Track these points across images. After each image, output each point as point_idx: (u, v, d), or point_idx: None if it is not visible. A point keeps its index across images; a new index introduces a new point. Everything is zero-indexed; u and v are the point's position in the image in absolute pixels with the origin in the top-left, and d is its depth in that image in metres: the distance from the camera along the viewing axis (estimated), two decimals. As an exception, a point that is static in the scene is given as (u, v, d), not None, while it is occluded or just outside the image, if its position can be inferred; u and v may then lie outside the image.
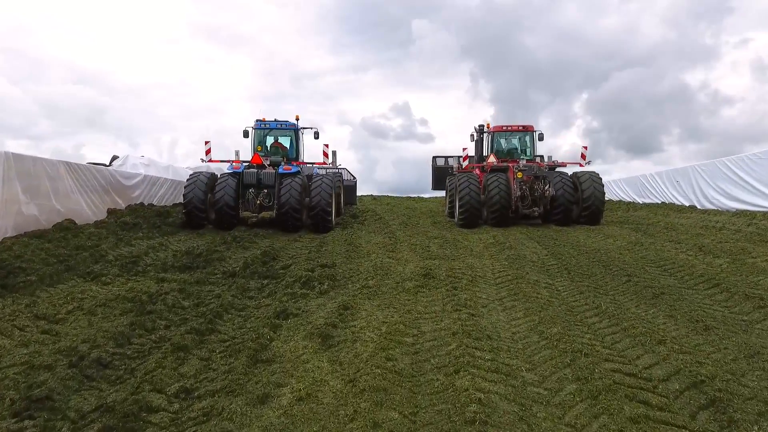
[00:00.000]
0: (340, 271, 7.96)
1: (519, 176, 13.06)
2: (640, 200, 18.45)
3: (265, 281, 7.52)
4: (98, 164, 13.22)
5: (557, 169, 14.04)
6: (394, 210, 18.49)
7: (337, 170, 17.66)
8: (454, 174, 16.18)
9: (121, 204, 12.86)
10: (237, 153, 15.26)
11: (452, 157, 19.17)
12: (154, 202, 14.36)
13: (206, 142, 14.05)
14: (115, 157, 14.61)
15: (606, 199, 14.09)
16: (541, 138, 14.93)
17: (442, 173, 18.85)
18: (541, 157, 14.87)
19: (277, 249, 9.82)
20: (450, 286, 6.80)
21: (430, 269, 7.70)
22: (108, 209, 12.18)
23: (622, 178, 19.22)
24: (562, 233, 11.89)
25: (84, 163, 12.75)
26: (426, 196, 22.95)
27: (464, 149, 15.24)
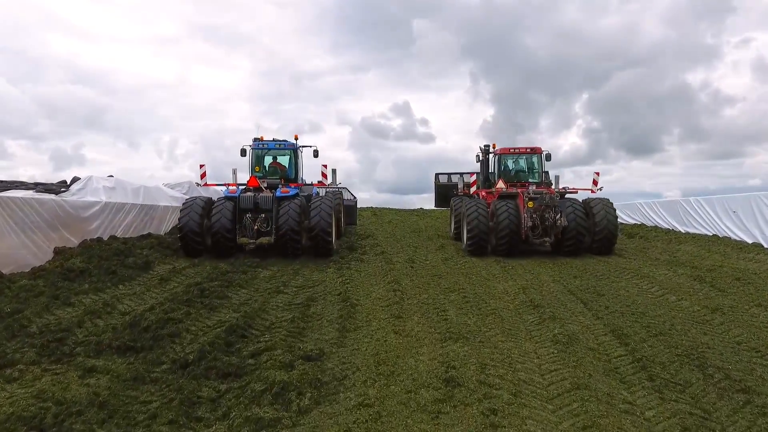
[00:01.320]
0: (329, 366, 5.79)
1: (530, 206, 12.38)
2: (680, 228, 15.78)
3: (225, 384, 5.37)
4: (50, 190, 11.11)
5: (566, 192, 13.38)
6: (397, 234, 16.50)
7: (337, 189, 16.65)
8: (459, 195, 16.22)
9: (74, 241, 10.71)
10: (234, 172, 15.04)
11: (455, 174, 19.32)
12: (118, 234, 12.18)
13: (201, 166, 14.02)
14: (75, 179, 12.46)
15: (638, 224, 12.49)
16: (548, 158, 14.46)
17: (444, 190, 18.88)
18: (547, 173, 14.62)
19: (252, 314, 7.63)
20: (485, 407, 4.68)
21: (453, 365, 5.56)
22: (55, 249, 10.06)
23: (659, 201, 16.40)
24: (603, 280, 9.84)
25: (31, 190, 10.72)
26: (428, 207, 21.25)
27: (472, 174, 14.88)
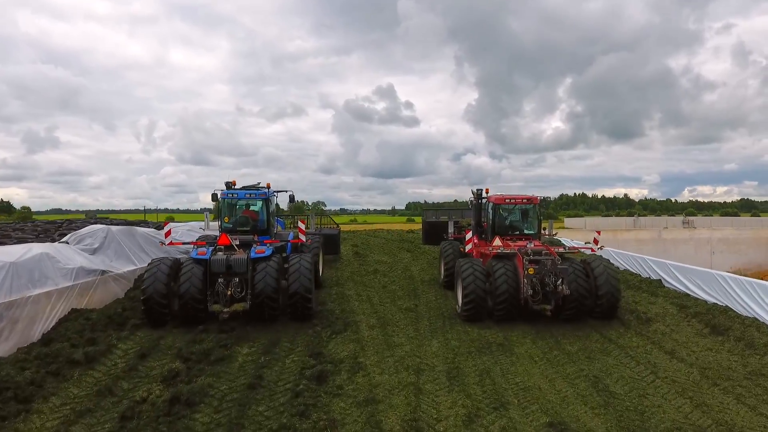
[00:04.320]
0: None
1: (531, 272, 11.72)
2: (704, 296, 13.04)
3: None
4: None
5: (566, 253, 12.85)
6: (387, 289, 15.24)
7: (316, 234, 16.65)
8: (449, 240, 16.12)
9: None
10: (206, 216, 15.05)
11: (443, 209, 20.37)
12: None
13: (165, 223, 14.63)
14: None
15: (655, 279, 13.58)
16: (544, 205, 14.25)
17: (433, 228, 19.05)
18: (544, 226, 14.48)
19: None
20: None
21: None
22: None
23: (689, 268, 13.96)
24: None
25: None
26: (417, 226, 20.50)
27: (467, 231, 14.59)
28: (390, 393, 8.27)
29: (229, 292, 11.24)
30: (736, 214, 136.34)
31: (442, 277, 15.66)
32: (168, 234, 13.51)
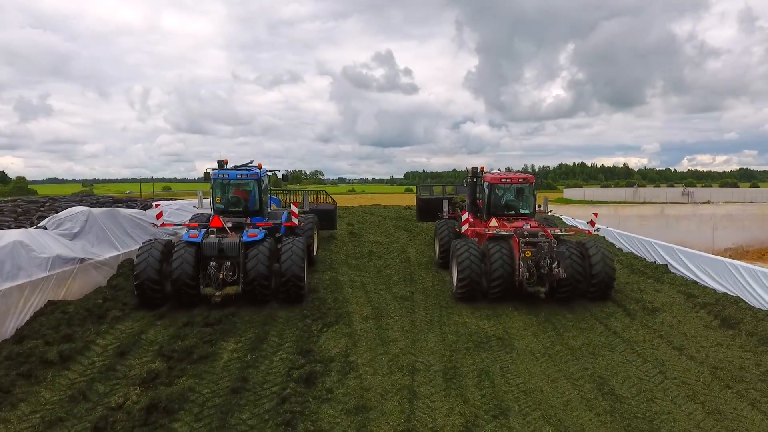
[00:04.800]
0: None
1: (527, 255, 11.64)
2: (714, 285, 12.38)
3: None
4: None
5: (562, 235, 12.73)
6: (382, 273, 14.66)
7: (310, 214, 16.44)
8: (444, 219, 16.07)
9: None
10: (199, 195, 15.04)
11: (437, 186, 19.96)
12: None
13: (156, 205, 13.89)
14: None
15: (661, 264, 13.36)
16: (538, 183, 14.18)
17: (426, 205, 18.93)
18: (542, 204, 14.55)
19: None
20: None
21: None
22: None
23: (697, 254, 13.23)
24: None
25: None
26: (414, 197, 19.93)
27: (462, 212, 14.26)
28: (383, 398, 7.76)
29: (221, 276, 11.17)
30: (735, 185, 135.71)
31: (437, 256, 15.68)
32: (160, 215, 13.44)
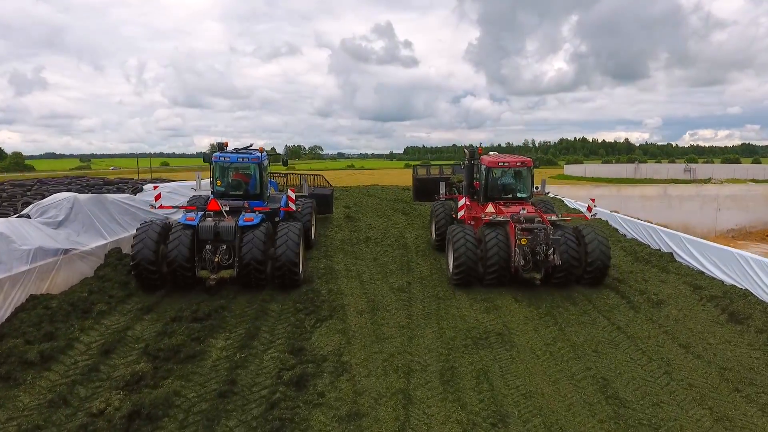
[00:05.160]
0: None
1: (523, 243, 11.61)
2: (721, 276, 11.98)
3: None
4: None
5: (558, 221, 12.62)
6: (379, 261, 14.25)
7: (308, 199, 16.32)
8: (440, 200, 16.07)
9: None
10: (198, 176, 15.37)
11: (434, 165, 19.99)
12: None
13: (155, 187, 13.91)
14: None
15: (666, 252, 13.44)
16: (536, 165, 14.09)
17: (423, 185, 18.98)
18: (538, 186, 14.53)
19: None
20: None
21: None
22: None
23: (704, 243, 12.78)
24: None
25: None
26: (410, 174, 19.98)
27: (459, 197, 14.29)
28: (376, 403, 7.43)
29: (216, 259, 11.15)
30: (737, 161, 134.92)
31: (433, 239, 15.75)
32: (158, 197, 13.51)
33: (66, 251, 11.35)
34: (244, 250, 11.27)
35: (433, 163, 20.67)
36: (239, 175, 13.51)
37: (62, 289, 10.97)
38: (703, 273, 12.48)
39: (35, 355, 8.25)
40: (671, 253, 13.90)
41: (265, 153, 13.92)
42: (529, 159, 13.69)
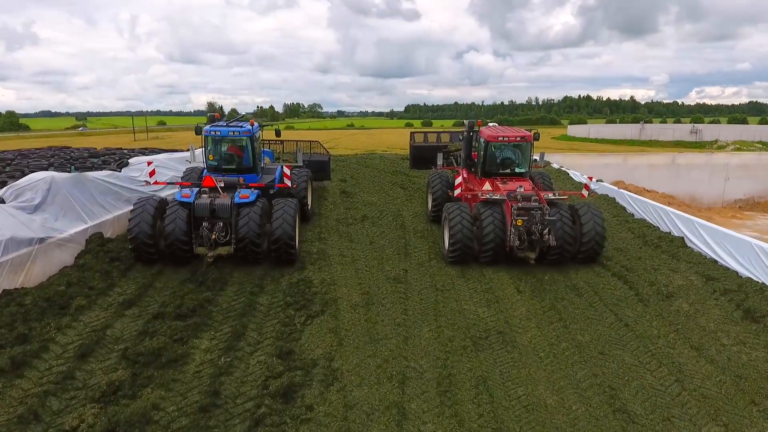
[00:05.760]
0: None
1: (519, 224, 11.60)
2: (735, 266, 11.36)
3: None
4: None
5: (555, 199, 12.40)
6: (375, 245, 13.61)
7: (304, 169, 16.15)
8: (438, 171, 15.92)
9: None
10: (191, 148, 15.39)
11: (431, 132, 19.71)
12: None
13: (149, 163, 13.50)
14: None
15: (677, 236, 13.34)
16: (536, 138, 13.59)
17: (420, 153, 18.86)
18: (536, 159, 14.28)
19: None
20: None
21: None
22: None
23: (719, 230, 12.14)
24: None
25: None
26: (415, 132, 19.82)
27: (456, 176, 13.76)
28: (368, 418, 6.95)
29: (213, 236, 11.25)
30: (744, 120, 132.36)
31: (429, 210, 15.80)
32: (152, 173, 13.38)
33: (42, 240, 10.70)
34: (240, 227, 11.37)
35: (431, 130, 19.86)
36: (232, 149, 13.34)
37: (39, 281, 10.40)
38: (716, 262, 11.85)
39: (6, 361, 7.72)
40: (682, 238, 13.23)
41: (257, 125, 13.60)
42: (529, 133, 13.31)
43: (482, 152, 13.50)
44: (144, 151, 22.94)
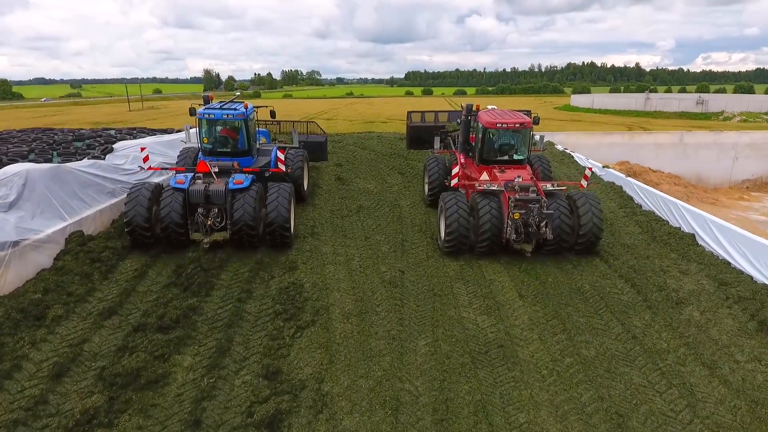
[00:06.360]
0: None
1: (516, 217, 11.42)
2: (749, 270, 10.74)
3: None
4: None
5: (553, 189, 12.13)
6: (371, 241, 13.00)
7: (299, 150, 16.13)
8: (434, 155, 15.68)
9: None
10: (186, 129, 15.81)
11: (428, 112, 19.32)
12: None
13: (142, 149, 13.41)
14: None
15: (687, 232, 12.91)
16: (536, 122, 13.65)
17: (417, 133, 18.68)
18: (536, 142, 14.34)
19: None
20: None
21: None
22: None
23: (733, 230, 11.42)
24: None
25: None
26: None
27: (453, 167, 13.15)
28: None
29: (208, 222, 11.40)
30: (750, 89, 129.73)
31: (425, 194, 15.65)
32: (146, 159, 13.15)
33: (16, 243, 10.08)
34: (235, 213, 11.44)
35: (428, 110, 19.63)
36: (226, 131, 13.25)
37: (14, 288, 9.84)
38: (729, 264, 11.26)
39: (-26, 385, 7.25)
40: (693, 235, 12.61)
41: (251, 107, 13.62)
42: (528, 119, 12.84)
43: (480, 138, 13.14)
44: (132, 132, 22.10)
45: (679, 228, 13.24)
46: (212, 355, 8.31)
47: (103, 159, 14.91)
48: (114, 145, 16.46)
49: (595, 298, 10.32)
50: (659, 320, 9.52)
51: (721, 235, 11.52)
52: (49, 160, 15.69)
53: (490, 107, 15.02)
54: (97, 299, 9.90)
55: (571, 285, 10.85)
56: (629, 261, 11.83)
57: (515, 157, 13.18)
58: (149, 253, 11.72)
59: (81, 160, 14.80)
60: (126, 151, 16.14)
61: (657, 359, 8.40)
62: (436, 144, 15.84)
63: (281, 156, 13.17)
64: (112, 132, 21.80)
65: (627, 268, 11.43)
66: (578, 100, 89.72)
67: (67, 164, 13.23)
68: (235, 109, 12.81)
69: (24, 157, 15.83)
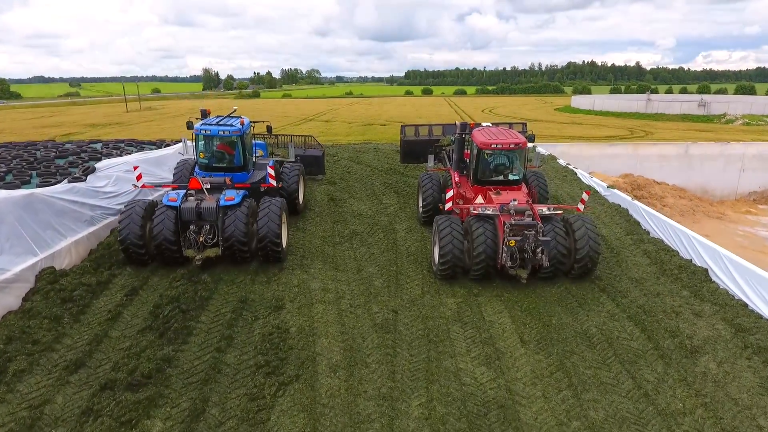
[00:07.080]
0: None
1: (511, 244, 11.10)
2: None
3: None
4: None
5: (550, 213, 11.91)
6: (363, 273, 12.25)
7: (296, 162, 16.26)
8: (428, 173, 15.49)
9: None
10: (183, 141, 16.35)
11: (422, 126, 19.29)
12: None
13: (135, 167, 13.40)
14: None
15: (700, 267, 12.24)
16: (531, 140, 13.69)
17: (410, 147, 18.74)
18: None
19: None
20: None
21: None
22: None
23: (750, 270, 10.67)
24: None
25: None
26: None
27: (447, 191, 12.73)
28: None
29: (200, 239, 11.52)
30: (752, 89, 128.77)
31: (419, 210, 15.44)
32: (139, 177, 13.04)
33: (-22, 286, 9.35)
34: (226, 230, 11.63)
35: (422, 123, 19.74)
36: (222, 147, 13.38)
37: (-26, 337, 9.08)
38: (746, 306, 10.51)
39: None
40: (706, 270, 11.86)
41: (247, 122, 13.70)
42: (523, 140, 12.56)
43: (475, 158, 12.90)
44: (119, 146, 21.37)
45: (691, 260, 12.49)
46: (185, 419, 7.58)
47: (84, 180, 14.21)
48: (97, 164, 15.74)
49: (602, 345, 9.60)
50: (672, 373, 8.79)
51: (737, 272, 10.77)
52: (27, 182, 14.99)
53: (484, 125, 14.70)
54: (66, 347, 9.17)
55: (576, 328, 10.12)
56: (638, 299, 11.10)
57: (511, 177, 12.92)
58: (127, 287, 11.20)
59: (60, 181, 14.11)
60: (108, 171, 15.46)
61: (672, 424, 7.68)
62: (430, 162, 15.65)
63: (272, 171, 13.44)
64: (98, 146, 21.07)
65: (636, 308, 10.70)
66: (579, 101, 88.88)
67: (42, 190, 12.50)
68: (231, 126, 12.98)
69: (1, 179, 15.12)
